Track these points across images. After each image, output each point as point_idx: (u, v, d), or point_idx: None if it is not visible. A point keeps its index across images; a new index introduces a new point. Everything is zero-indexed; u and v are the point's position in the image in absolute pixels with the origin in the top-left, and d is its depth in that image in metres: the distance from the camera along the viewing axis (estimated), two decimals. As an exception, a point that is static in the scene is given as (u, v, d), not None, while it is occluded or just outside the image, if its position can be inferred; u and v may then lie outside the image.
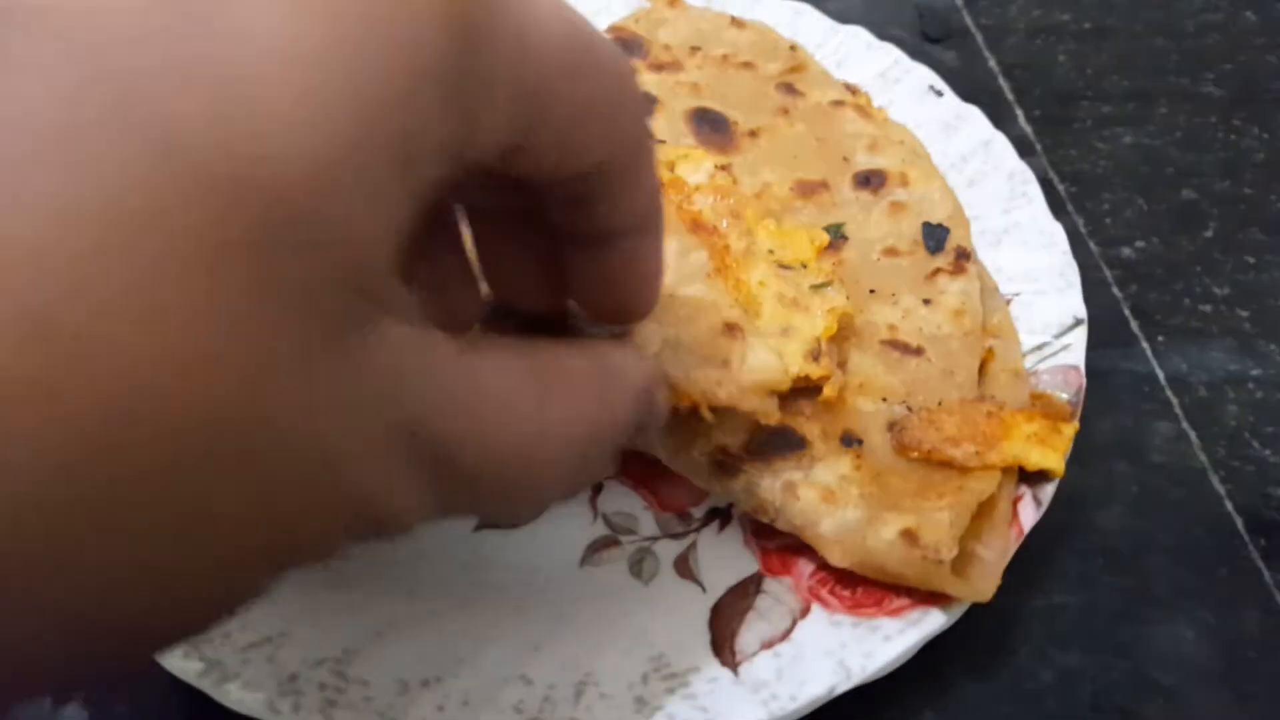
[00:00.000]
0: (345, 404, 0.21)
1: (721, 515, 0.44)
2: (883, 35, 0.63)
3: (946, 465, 0.40)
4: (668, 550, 0.43)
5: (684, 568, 0.42)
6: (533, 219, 0.30)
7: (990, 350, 0.46)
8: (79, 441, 0.17)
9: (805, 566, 0.41)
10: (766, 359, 0.42)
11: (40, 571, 0.18)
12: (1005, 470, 0.40)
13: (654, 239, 0.30)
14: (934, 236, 0.50)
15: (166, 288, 0.18)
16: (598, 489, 0.45)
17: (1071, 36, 0.69)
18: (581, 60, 0.24)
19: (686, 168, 0.50)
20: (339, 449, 0.21)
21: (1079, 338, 0.46)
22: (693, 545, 0.43)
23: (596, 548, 0.43)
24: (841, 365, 0.44)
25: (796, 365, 0.43)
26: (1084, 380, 0.44)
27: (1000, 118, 0.62)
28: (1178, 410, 0.49)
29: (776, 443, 0.42)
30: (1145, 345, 0.51)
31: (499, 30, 0.22)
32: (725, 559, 0.42)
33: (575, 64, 0.24)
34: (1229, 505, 0.45)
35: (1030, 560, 0.42)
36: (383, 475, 0.22)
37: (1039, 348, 0.46)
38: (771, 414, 0.41)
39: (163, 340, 0.18)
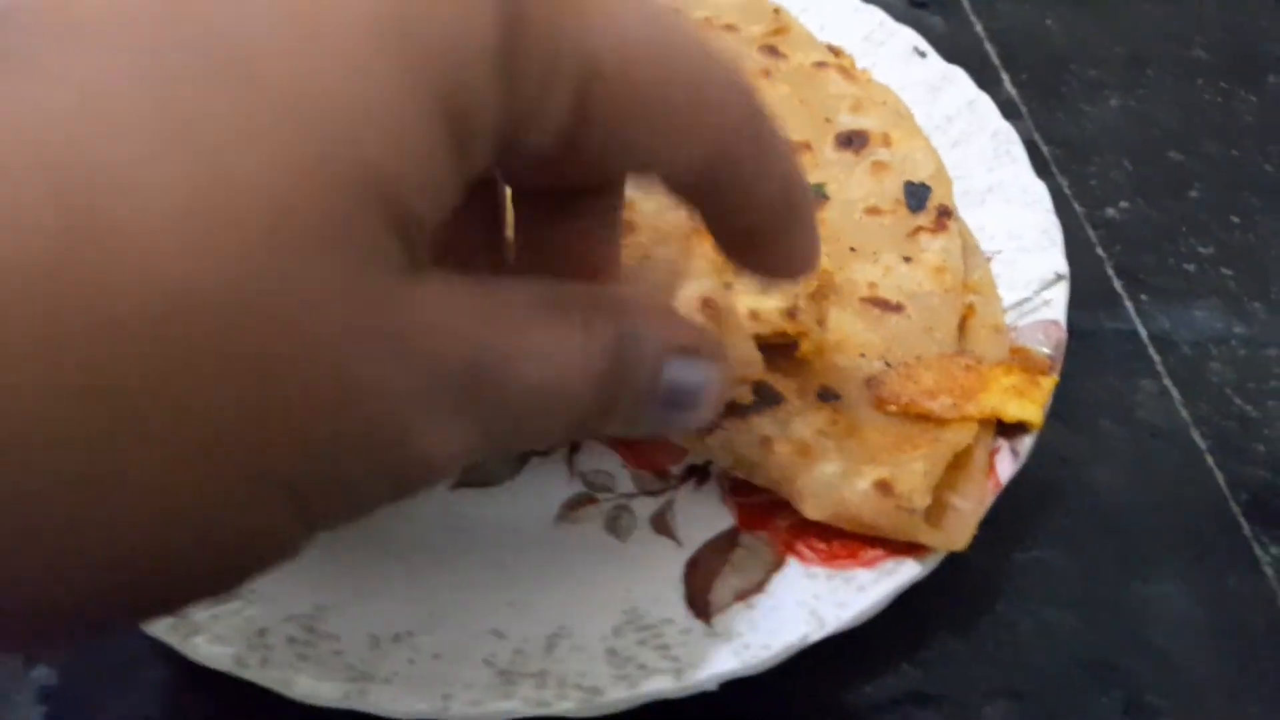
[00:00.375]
0: (393, 345, 0.21)
1: (699, 473, 0.44)
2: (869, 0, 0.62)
3: (924, 418, 0.40)
4: (645, 507, 0.43)
5: (661, 524, 0.42)
6: (585, 203, 0.29)
7: (971, 306, 0.45)
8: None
9: (782, 521, 0.41)
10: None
11: (76, 497, 0.18)
12: (983, 422, 0.40)
13: (799, 219, 0.28)
14: (916, 195, 0.49)
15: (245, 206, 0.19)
16: (575, 447, 0.45)
17: (1061, 1, 0.69)
18: (663, 41, 0.23)
19: (666, 127, 0.49)
20: (383, 387, 0.21)
21: (1060, 293, 0.45)
22: (670, 502, 0.43)
23: (573, 505, 0.43)
24: (820, 323, 0.44)
25: (774, 322, 0.42)
26: (1064, 334, 0.44)
27: (986, 83, 0.61)
28: (1161, 368, 0.48)
29: (754, 398, 0.41)
30: (1129, 305, 0.51)
31: (559, 8, 0.22)
32: (702, 515, 0.42)
33: (653, 45, 0.23)
34: (1210, 461, 0.45)
35: (1014, 516, 0.42)
36: (426, 417, 0.22)
37: (1020, 303, 0.46)
38: (757, 366, 0.40)
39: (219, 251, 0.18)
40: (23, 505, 0.18)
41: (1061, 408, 0.44)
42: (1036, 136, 0.59)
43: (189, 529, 0.20)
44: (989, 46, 0.66)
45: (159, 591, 0.21)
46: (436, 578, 0.40)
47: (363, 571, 0.40)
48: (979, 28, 0.67)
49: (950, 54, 0.59)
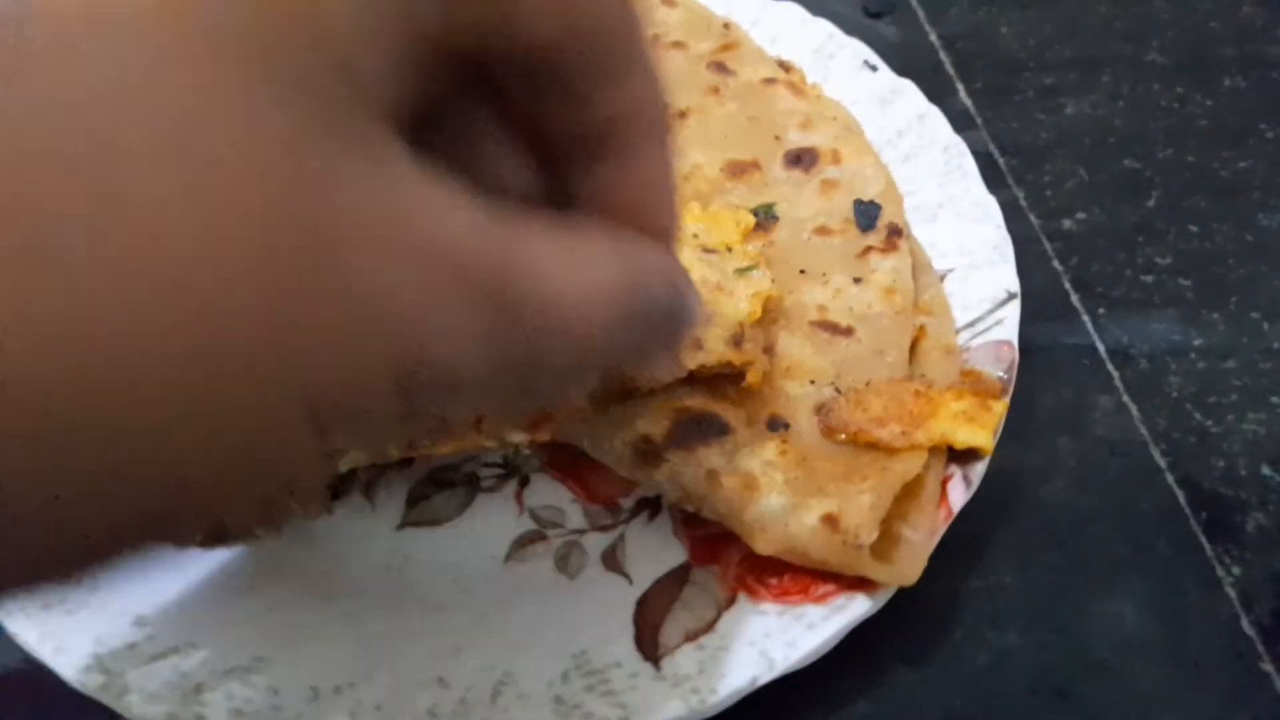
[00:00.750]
0: (387, 238, 0.20)
1: (651, 505, 0.43)
2: (823, 10, 0.61)
3: (873, 447, 0.39)
4: (595, 543, 0.42)
5: (611, 560, 0.41)
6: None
7: (922, 328, 0.45)
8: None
9: (734, 554, 0.40)
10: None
11: (91, 404, 0.17)
12: (933, 450, 0.39)
13: (658, 145, 0.27)
14: (865, 214, 0.48)
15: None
16: (524, 483, 0.44)
17: (1015, 6, 0.68)
18: None
19: (611, 151, 0.48)
20: (386, 283, 0.20)
21: (1012, 312, 0.45)
22: (621, 537, 0.42)
23: (523, 543, 0.42)
24: (768, 350, 0.43)
25: (719, 351, 0.41)
26: (1016, 355, 0.43)
27: (941, 91, 0.61)
28: (1118, 383, 0.48)
29: (700, 429, 0.40)
30: (1086, 318, 0.50)
31: None
32: (654, 550, 0.41)
33: None
34: (1170, 478, 0.44)
35: (967, 540, 0.41)
36: (431, 313, 0.21)
37: (972, 324, 0.45)
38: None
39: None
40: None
41: (1018, 424, 0.43)
42: (991, 147, 0.59)
43: (200, 431, 0.19)
44: (943, 55, 0.65)
45: (166, 504, 0.20)
46: (378, 624, 0.39)
47: (303, 619, 0.39)
48: (933, 36, 0.66)
49: (904, 63, 0.58)
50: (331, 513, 0.42)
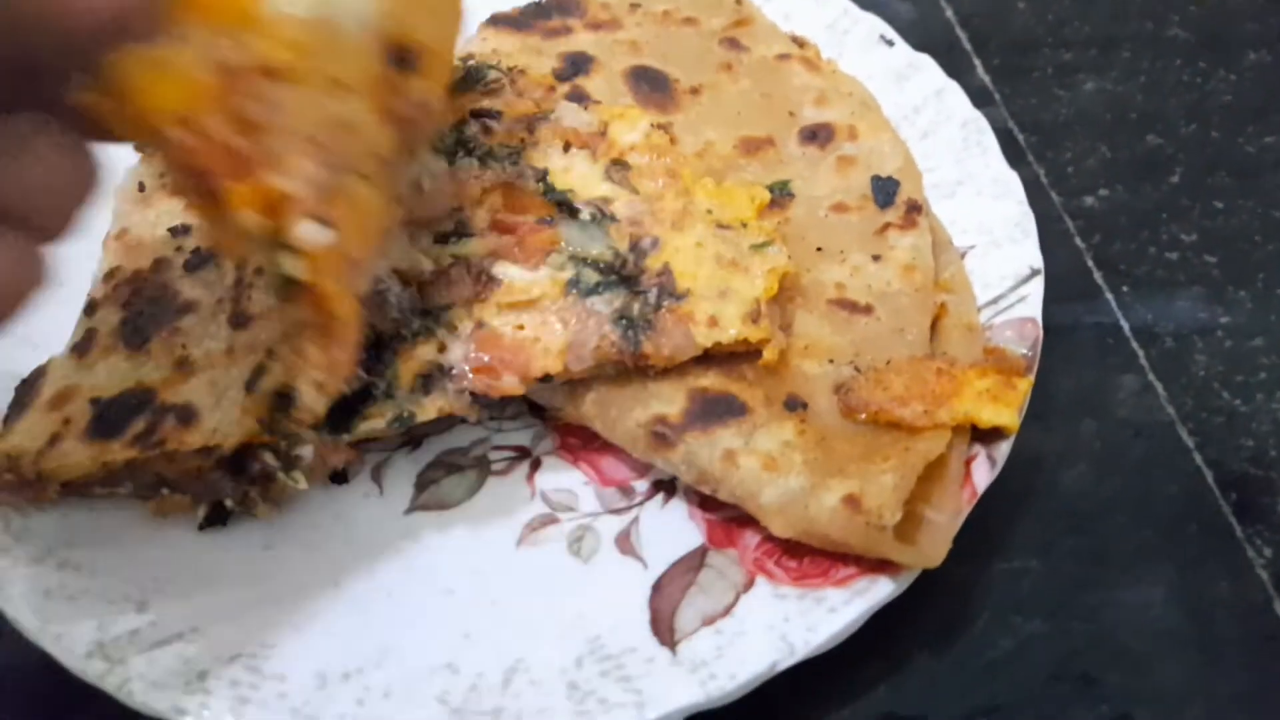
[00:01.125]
0: None
1: (666, 487, 0.42)
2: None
3: (895, 426, 0.38)
4: (609, 526, 0.41)
5: (625, 544, 0.40)
6: None
7: (943, 305, 0.43)
8: None
9: (751, 537, 0.39)
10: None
11: None
12: (957, 429, 0.38)
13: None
14: (883, 190, 0.47)
15: None
16: (536, 466, 0.43)
17: (1031, -20, 0.67)
18: None
19: (620, 127, 0.47)
20: None
21: (1035, 289, 0.43)
22: (635, 520, 0.41)
23: (534, 526, 0.41)
24: (785, 328, 0.42)
25: (735, 328, 0.40)
26: (1040, 332, 0.42)
27: (958, 68, 0.60)
28: (1144, 362, 0.47)
29: (716, 409, 0.39)
30: (1110, 297, 0.49)
31: None
32: (669, 533, 0.40)
33: None
34: (1199, 459, 0.43)
35: (990, 524, 0.40)
36: None
37: (994, 301, 0.44)
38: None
39: None
40: None
41: (1040, 406, 0.42)
42: (1011, 123, 0.58)
43: None
44: (959, 31, 0.64)
45: None
46: (388, 610, 0.38)
47: (311, 606, 0.38)
48: (949, 12, 0.65)
49: (920, 40, 0.57)
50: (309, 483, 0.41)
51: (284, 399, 0.37)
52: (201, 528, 0.40)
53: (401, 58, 0.35)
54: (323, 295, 0.32)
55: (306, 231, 0.30)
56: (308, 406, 0.35)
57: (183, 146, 0.29)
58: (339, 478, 0.42)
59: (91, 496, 0.40)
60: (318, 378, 0.34)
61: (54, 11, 0.26)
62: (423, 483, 0.43)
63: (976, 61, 0.61)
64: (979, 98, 0.56)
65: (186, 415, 0.38)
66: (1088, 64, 0.61)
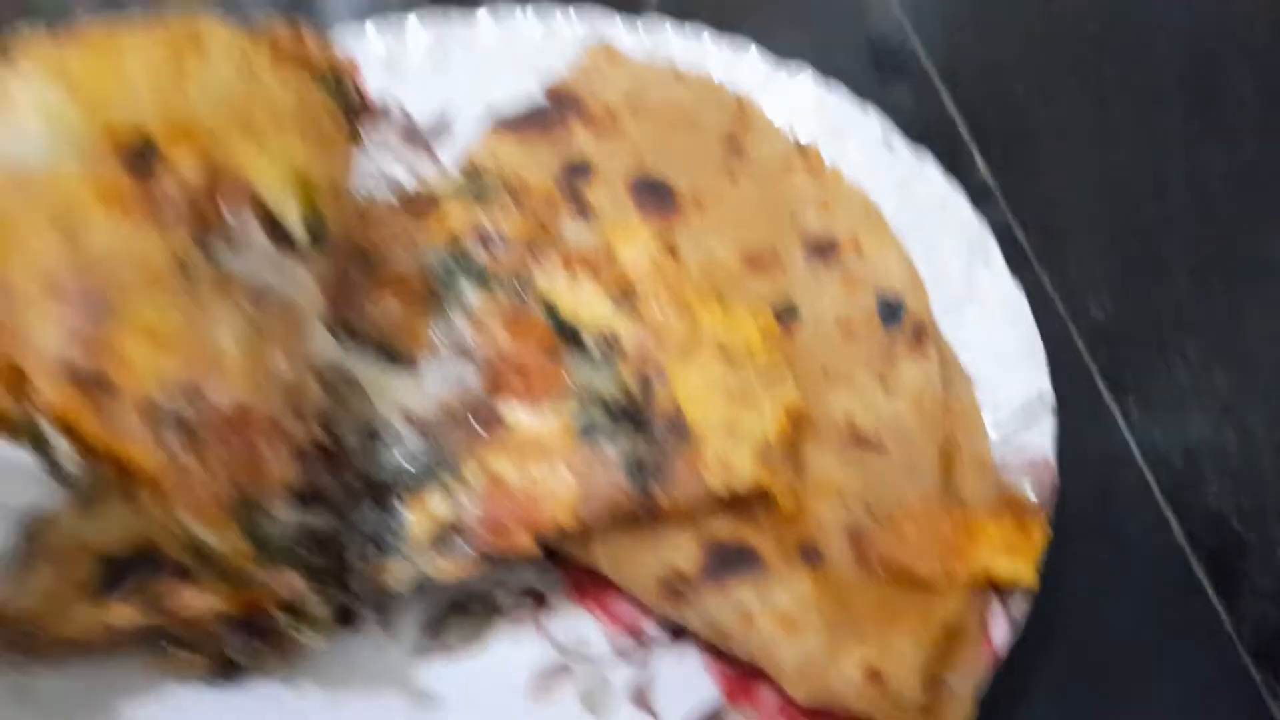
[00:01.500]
0: None
1: (680, 631, 0.41)
2: (834, 71, 0.60)
3: (912, 580, 0.38)
4: (623, 677, 0.40)
5: (641, 699, 0.40)
6: None
7: (954, 440, 0.43)
8: None
9: (770, 694, 0.38)
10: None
11: None
12: (974, 585, 0.38)
13: None
14: (890, 310, 0.47)
15: None
16: (544, 606, 0.42)
17: (1029, 68, 0.67)
18: None
19: (624, 246, 0.47)
20: None
21: (1048, 422, 0.43)
22: (649, 670, 0.40)
23: (546, 675, 0.40)
24: (796, 468, 0.42)
25: (748, 472, 0.40)
26: (1054, 473, 0.42)
27: (957, 158, 0.59)
28: (1154, 487, 0.46)
29: (731, 561, 0.39)
30: (1118, 415, 0.49)
31: None
32: (685, 685, 0.40)
33: None
34: (1212, 595, 0.43)
35: (1006, 670, 0.39)
36: None
37: (1004, 433, 0.44)
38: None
39: None
40: None
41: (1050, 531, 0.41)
42: (1012, 221, 0.57)
43: None
44: (958, 119, 0.63)
45: None
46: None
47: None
48: (946, 98, 0.65)
49: (918, 129, 0.57)
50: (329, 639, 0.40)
51: (202, 556, 0.35)
52: (211, 684, 0.39)
53: (139, 156, 0.33)
54: (104, 452, 0.30)
55: (44, 393, 0.29)
56: (207, 547, 0.33)
57: None
58: (345, 619, 0.42)
59: (101, 654, 0.39)
60: (191, 525, 0.32)
61: None
62: (431, 626, 0.42)
63: (975, 153, 0.61)
64: (979, 193, 0.56)
65: (185, 573, 0.37)
66: (1086, 155, 0.61)
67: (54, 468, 0.31)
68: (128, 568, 0.38)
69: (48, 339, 0.29)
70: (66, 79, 0.31)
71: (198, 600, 0.37)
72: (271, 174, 0.35)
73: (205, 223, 0.33)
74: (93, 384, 0.29)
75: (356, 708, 0.39)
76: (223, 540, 0.33)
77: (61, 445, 0.30)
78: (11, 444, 0.32)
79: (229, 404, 0.32)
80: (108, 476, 0.31)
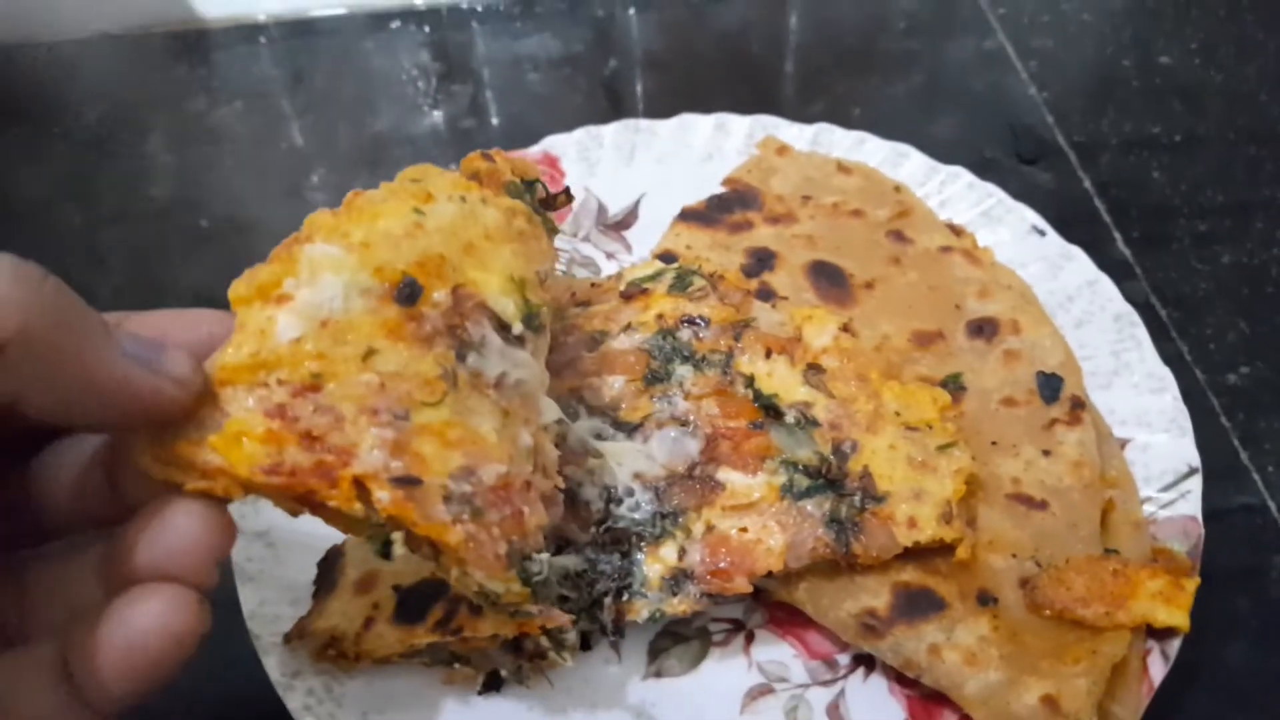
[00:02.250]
0: None
1: (866, 661, 0.48)
2: (977, 157, 0.66)
3: (1079, 624, 0.44)
4: (819, 698, 0.48)
5: (836, 715, 0.47)
6: None
7: (1111, 501, 0.49)
8: None
9: (949, 717, 0.45)
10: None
11: None
12: (1134, 628, 0.44)
13: None
14: (1049, 386, 0.53)
15: None
16: (750, 638, 0.50)
17: (1164, 150, 0.72)
18: None
19: (812, 329, 0.55)
20: None
21: (1195, 486, 0.49)
22: (841, 693, 0.48)
23: (754, 695, 0.48)
24: (971, 523, 0.48)
25: (931, 529, 0.47)
26: (1202, 531, 0.47)
27: (1098, 239, 0.66)
28: (1293, 543, 0.52)
29: (919, 604, 0.46)
30: (1257, 477, 0.54)
31: None
32: (873, 706, 0.47)
33: None
34: (1350, 642, 0.48)
35: (1160, 703, 0.45)
36: None
37: (1155, 496, 0.50)
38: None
39: None
40: None
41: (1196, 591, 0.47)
42: (1152, 298, 0.63)
43: None
44: (1098, 201, 0.69)
45: None
46: (640, 771, 0.46)
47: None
48: (1087, 182, 0.71)
49: (1060, 210, 0.63)
50: (576, 660, 0.48)
51: (486, 597, 0.42)
52: (481, 693, 0.48)
53: (407, 293, 0.39)
54: (422, 535, 0.37)
55: (381, 499, 0.36)
56: (498, 593, 0.40)
57: (278, 489, 0.35)
58: (583, 644, 0.50)
59: (392, 664, 0.48)
60: (481, 579, 0.39)
61: (108, 400, 0.31)
62: (654, 651, 0.50)
63: (1116, 234, 0.67)
64: (1120, 270, 0.62)
65: (477, 606, 0.46)
66: (1223, 234, 0.67)
67: (384, 548, 0.40)
68: (422, 596, 0.47)
69: (372, 452, 0.36)
70: (345, 240, 0.40)
71: (486, 626, 0.45)
72: (494, 285, 0.43)
73: (457, 336, 0.41)
74: (407, 484, 0.37)
75: (591, 719, 0.48)
76: (506, 587, 0.41)
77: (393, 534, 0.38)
78: (357, 539, 0.41)
79: (495, 478, 0.40)
80: (424, 551, 0.40)
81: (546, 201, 0.53)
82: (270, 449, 0.34)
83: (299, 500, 0.36)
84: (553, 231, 0.51)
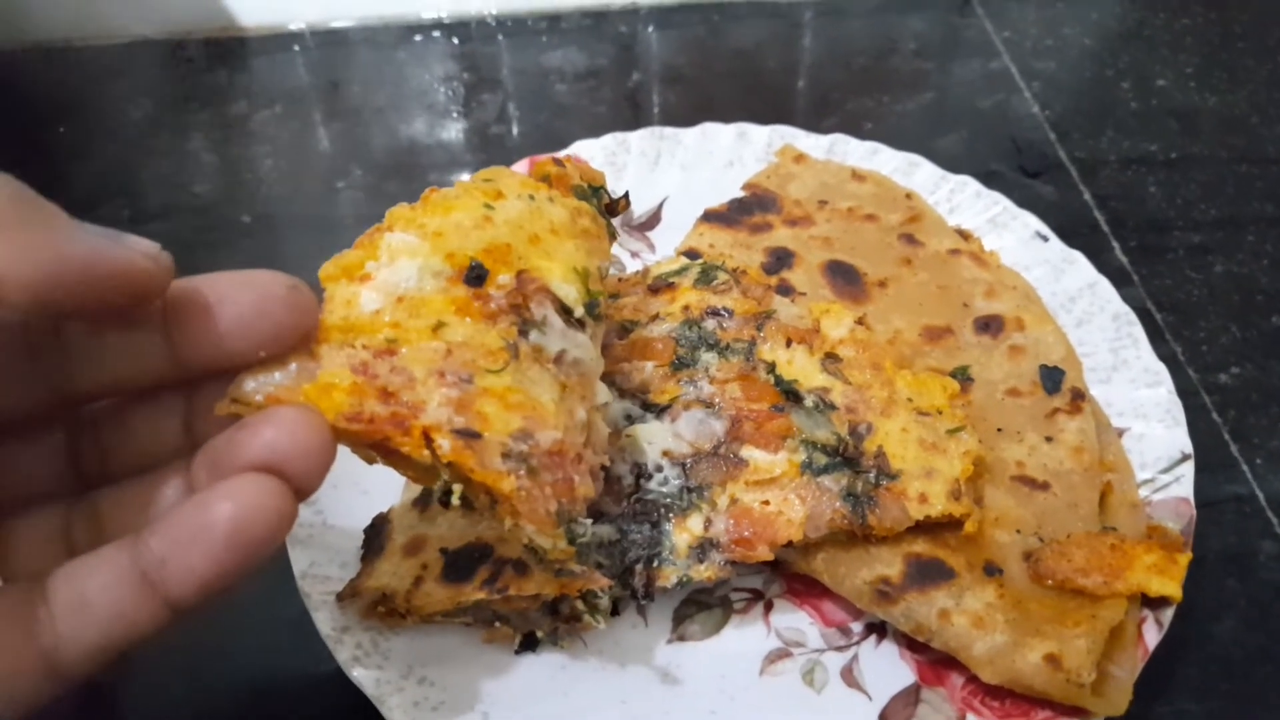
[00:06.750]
0: None
1: (878, 629, 0.51)
2: (983, 169, 0.70)
3: (1079, 593, 0.47)
4: (834, 661, 0.51)
5: (850, 677, 0.50)
6: None
7: (1109, 483, 0.53)
8: None
9: (956, 679, 0.48)
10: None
11: None
12: (1130, 597, 0.47)
13: None
14: (1051, 378, 0.57)
15: None
16: (769, 606, 0.53)
17: (1161, 165, 0.76)
18: None
19: (829, 322, 0.58)
20: None
21: (1187, 471, 0.52)
22: (855, 657, 0.51)
23: (772, 658, 0.51)
24: (978, 501, 0.52)
25: (941, 504, 0.50)
26: (1194, 512, 0.51)
27: (1098, 248, 0.69)
28: (1275, 523, 0.55)
29: (929, 573, 0.49)
30: (1246, 468, 0.58)
31: None
32: (885, 669, 0.50)
33: None
34: (1332, 619, 0.51)
35: (1154, 672, 0.48)
36: None
37: (1151, 480, 0.53)
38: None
39: None
40: None
41: (1190, 567, 0.50)
42: (1149, 304, 0.67)
43: None
44: (1097, 213, 0.73)
45: None
46: (666, 724, 0.49)
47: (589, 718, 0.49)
48: (1086, 195, 0.75)
49: (1062, 220, 0.67)
50: (609, 623, 0.51)
51: (533, 553, 0.46)
52: (517, 651, 0.51)
53: (474, 275, 0.43)
54: (479, 483, 0.40)
55: (443, 446, 0.39)
56: (545, 549, 0.43)
57: (358, 434, 0.38)
58: (613, 610, 0.53)
59: (434, 623, 0.51)
60: (531, 533, 0.42)
61: (215, 341, 0.35)
62: (679, 617, 0.53)
63: (1115, 244, 0.71)
64: (1118, 278, 0.66)
65: (521, 567, 0.49)
66: (1216, 245, 0.70)
67: (444, 496, 0.43)
68: (469, 558, 0.51)
69: (439, 408, 0.39)
70: (420, 229, 0.44)
71: (530, 586, 0.48)
72: (558, 273, 0.47)
73: (521, 315, 0.45)
74: (468, 436, 0.41)
75: (619, 679, 0.51)
76: (554, 544, 0.44)
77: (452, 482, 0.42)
78: (418, 483, 0.45)
79: (551, 442, 0.44)
80: (480, 501, 0.43)
81: (610, 207, 0.57)
82: (354, 399, 0.38)
83: (374, 447, 0.39)
84: (613, 237, 0.54)
